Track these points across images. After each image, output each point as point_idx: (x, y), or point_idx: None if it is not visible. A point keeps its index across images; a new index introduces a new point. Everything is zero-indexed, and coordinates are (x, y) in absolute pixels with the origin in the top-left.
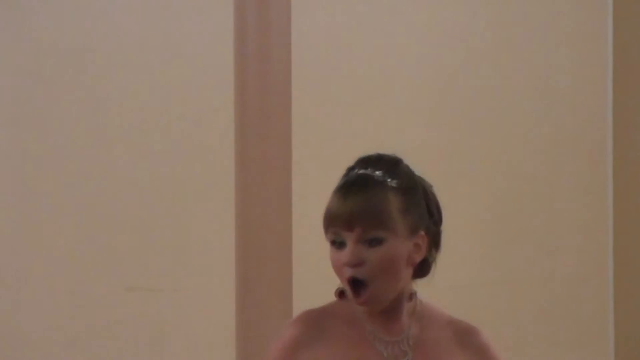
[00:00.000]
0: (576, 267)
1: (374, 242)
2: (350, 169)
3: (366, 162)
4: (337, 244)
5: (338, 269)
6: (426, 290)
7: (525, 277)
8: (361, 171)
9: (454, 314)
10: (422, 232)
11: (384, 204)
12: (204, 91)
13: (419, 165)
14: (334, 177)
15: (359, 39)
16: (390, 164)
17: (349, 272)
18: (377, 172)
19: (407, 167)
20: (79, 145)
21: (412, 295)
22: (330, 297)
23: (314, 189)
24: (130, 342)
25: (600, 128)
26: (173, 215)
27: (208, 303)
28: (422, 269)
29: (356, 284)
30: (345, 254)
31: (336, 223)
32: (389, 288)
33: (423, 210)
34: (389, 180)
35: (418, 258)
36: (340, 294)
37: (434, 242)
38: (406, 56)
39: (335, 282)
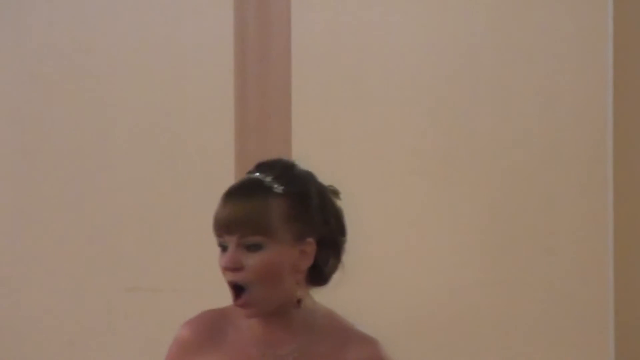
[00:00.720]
0: (576, 267)
1: (253, 248)
2: (248, 172)
3: (261, 166)
4: (222, 247)
5: (222, 272)
6: (425, 291)
7: (525, 277)
8: (252, 175)
9: (453, 314)
10: (311, 239)
11: (264, 210)
12: (204, 91)
13: (419, 164)
14: (334, 176)
15: (360, 39)
16: (284, 169)
17: (227, 277)
18: (267, 178)
19: (303, 173)
20: (79, 145)
21: (299, 302)
22: (329, 299)
23: None
24: (131, 343)
25: (600, 128)
26: (173, 215)
27: (208, 303)
28: (316, 277)
29: (237, 288)
30: (224, 258)
31: (218, 227)
32: (269, 293)
33: (315, 217)
34: (275, 186)
35: (304, 265)
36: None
37: (332, 250)
38: (406, 56)
39: (331, 283)
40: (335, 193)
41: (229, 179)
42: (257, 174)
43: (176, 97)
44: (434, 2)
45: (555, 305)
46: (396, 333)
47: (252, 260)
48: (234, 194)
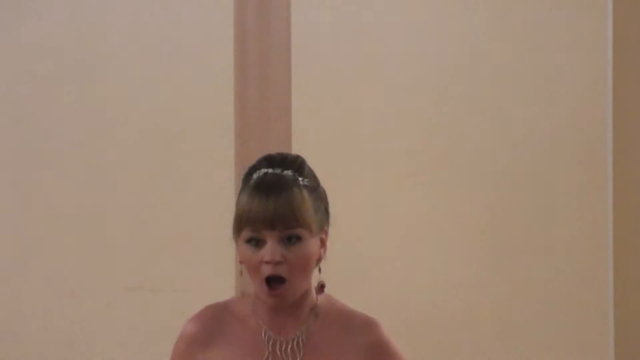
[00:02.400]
0: (576, 267)
1: (294, 240)
2: (255, 168)
3: (272, 161)
4: (254, 242)
5: (254, 267)
6: (424, 291)
7: (525, 277)
8: (271, 170)
9: (453, 314)
10: (326, 228)
11: (302, 203)
12: (204, 91)
13: (418, 164)
14: (334, 176)
15: (359, 39)
16: (297, 164)
17: (268, 271)
18: (287, 172)
19: (309, 166)
20: (78, 145)
21: (322, 288)
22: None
23: None
24: (130, 342)
25: (600, 128)
26: (173, 215)
27: (206, 302)
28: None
29: (274, 280)
30: (267, 252)
31: (256, 222)
32: (303, 284)
33: (325, 207)
34: (300, 179)
35: (324, 254)
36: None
37: (327, 238)
38: (406, 56)
39: (333, 275)
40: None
41: (229, 179)
42: (276, 170)
43: (176, 97)
44: (433, 2)
45: (555, 304)
46: (395, 332)
47: (294, 254)
48: (270, 189)
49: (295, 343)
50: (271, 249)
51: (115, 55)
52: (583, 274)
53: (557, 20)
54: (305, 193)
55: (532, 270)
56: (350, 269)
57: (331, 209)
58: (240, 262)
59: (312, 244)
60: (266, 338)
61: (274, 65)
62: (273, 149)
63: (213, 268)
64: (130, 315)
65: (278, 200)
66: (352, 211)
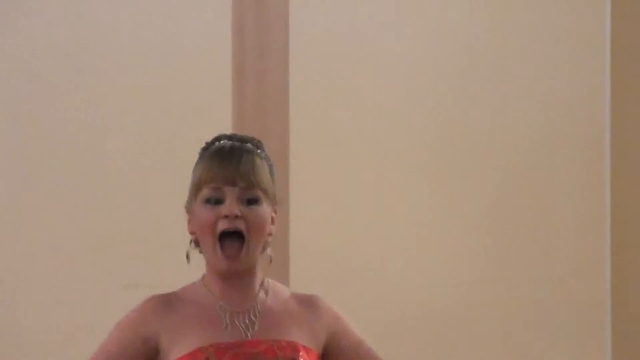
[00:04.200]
0: (574, 265)
1: (252, 202)
2: (213, 141)
3: (231, 136)
4: (214, 201)
5: (210, 226)
6: (424, 290)
7: (523, 276)
8: (230, 142)
9: (452, 311)
10: (276, 207)
11: (262, 167)
12: (202, 89)
13: (416, 163)
14: (332, 174)
15: (357, 37)
16: (256, 141)
17: (225, 224)
18: (246, 144)
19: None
20: (77, 143)
21: (270, 262)
22: (328, 296)
23: (311, 186)
24: None
25: (597, 127)
26: (171, 212)
27: None
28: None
29: (226, 242)
30: (226, 206)
31: (218, 178)
32: (256, 250)
33: (276, 188)
34: (259, 151)
35: (272, 230)
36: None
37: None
38: (404, 55)
39: (333, 272)
40: None
41: None
42: (238, 142)
43: (174, 95)
44: (432, 2)
45: (553, 303)
46: (396, 330)
47: (252, 212)
48: (233, 152)
49: (251, 313)
50: (230, 203)
51: (114, 53)
52: (581, 272)
53: (556, 21)
54: (264, 163)
55: (530, 268)
56: (349, 266)
57: (328, 206)
58: (191, 232)
59: (268, 211)
60: (221, 311)
61: (272, 63)
62: (271, 146)
63: None
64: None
65: (240, 160)
66: (350, 208)
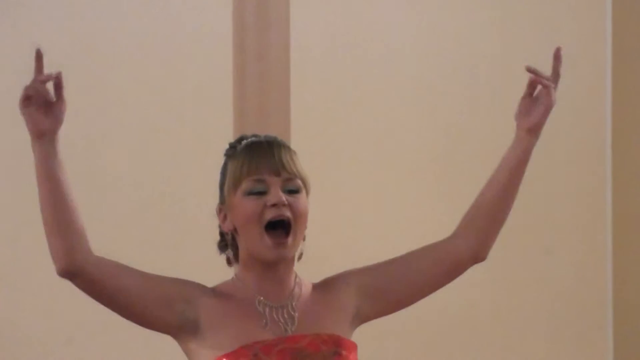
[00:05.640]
0: (575, 266)
1: (293, 191)
2: (240, 140)
3: (255, 135)
4: (256, 193)
5: (256, 216)
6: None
7: (524, 276)
8: (259, 138)
9: (452, 313)
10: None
11: (298, 160)
12: (203, 88)
13: (417, 163)
14: (333, 174)
15: (358, 37)
16: (281, 140)
17: (273, 213)
18: (273, 139)
19: None
20: (78, 143)
21: (300, 257)
22: None
23: (313, 187)
24: (130, 340)
25: (599, 128)
26: (172, 213)
27: None
28: None
29: (279, 228)
30: (273, 195)
31: (260, 170)
32: (299, 240)
33: None
34: (288, 145)
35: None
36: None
37: None
38: (405, 54)
39: (334, 271)
40: None
41: None
42: (270, 139)
43: (175, 94)
44: (433, 2)
45: (554, 303)
46: (396, 331)
47: (296, 201)
48: (271, 143)
49: (289, 308)
50: (276, 192)
51: (114, 53)
52: (582, 272)
53: (557, 21)
54: (297, 156)
55: (532, 268)
56: (349, 264)
57: (330, 205)
58: (227, 231)
59: (306, 200)
60: (261, 306)
61: (273, 63)
62: None
63: (214, 264)
64: None
65: (280, 151)
66: (351, 208)
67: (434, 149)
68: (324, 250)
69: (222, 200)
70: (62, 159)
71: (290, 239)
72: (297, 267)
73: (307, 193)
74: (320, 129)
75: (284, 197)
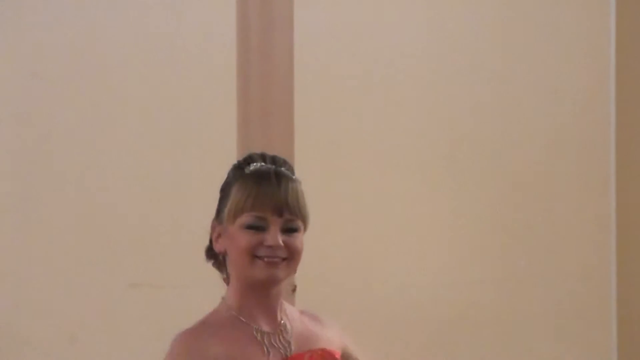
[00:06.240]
0: (579, 265)
1: (292, 231)
2: (248, 161)
3: (264, 158)
4: (255, 228)
5: (250, 251)
6: (428, 289)
7: (528, 275)
8: (268, 165)
9: (456, 312)
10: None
11: (303, 198)
12: (207, 89)
13: (421, 162)
14: (337, 174)
15: (362, 36)
16: (288, 164)
17: (266, 253)
18: (281, 168)
19: None
20: (80, 142)
21: (294, 290)
22: (332, 296)
23: (315, 188)
24: (133, 339)
25: (602, 127)
26: (175, 212)
27: (209, 300)
28: None
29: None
30: (272, 236)
31: (264, 208)
32: (292, 271)
33: None
34: (294, 177)
35: None
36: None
37: None
38: (409, 54)
39: (336, 271)
40: None
41: None
42: (272, 165)
43: (179, 94)
44: (436, 2)
45: (557, 303)
46: (400, 330)
47: (292, 240)
48: (278, 178)
49: (283, 333)
50: (275, 234)
51: (118, 53)
52: (586, 272)
53: (560, 19)
54: (301, 190)
55: (535, 268)
56: (353, 265)
57: (333, 207)
58: (220, 252)
59: (302, 236)
60: (259, 335)
61: (277, 63)
62: (275, 147)
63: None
64: (133, 312)
65: (287, 190)
66: (355, 208)
67: (437, 150)
68: (324, 250)
69: (219, 220)
70: None
71: (282, 264)
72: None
73: (306, 228)
74: (324, 128)
75: (281, 240)
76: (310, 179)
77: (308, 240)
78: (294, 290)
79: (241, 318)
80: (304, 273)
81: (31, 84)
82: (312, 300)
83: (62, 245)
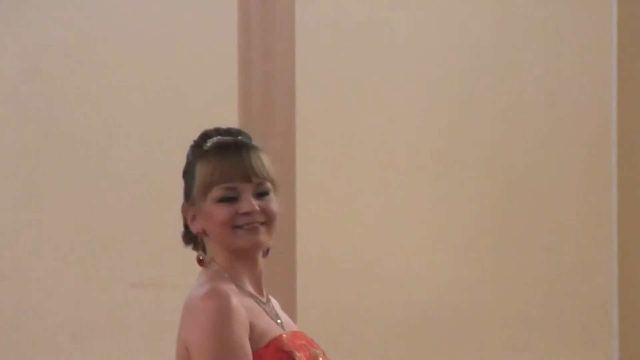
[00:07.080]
0: (580, 263)
1: (264, 195)
2: (205, 138)
3: (220, 131)
4: (227, 199)
5: (227, 222)
6: (430, 288)
7: (529, 274)
8: (226, 137)
9: (458, 311)
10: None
11: (267, 161)
12: (208, 89)
13: (422, 161)
14: (338, 172)
15: (363, 36)
16: (241, 131)
17: (244, 221)
18: (240, 137)
19: None
20: (81, 142)
21: (268, 252)
22: (333, 296)
23: (317, 187)
24: (134, 338)
25: (604, 127)
26: (176, 212)
27: None
28: None
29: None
30: (246, 203)
31: (231, 175)
32: (271, 236)
33: None
34: (253, 143)
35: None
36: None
37: None
38: (410, 54)
39: (337, 270)
40: None
41: None
42: (230, 137)
43: (180, 93)
44: (437, 2)
45: (559, 303)
46: (402, 329)
47: (267, 204)
48: (239, 147)
49: (271, 302)
50: (248, 199)
51: (119, 53)
52: (587, 271)
53: (561, 18)
54: (265, 154)
55: (536, 267)
56: (354, 264)
57: (334, 204)
58: (197, 232)
59: (276, 198)
60: (260, 304)
61: (278, 62)
62: (277, 144)
63: None
64: (134, 311)
65: (249, 155)
66: (356, 206)
67: (438, 148)
68: (327, 247)
69: (191, 202)
70: None
71: (262, 229)
72: (299, 267)
73: (277, 191)
74: (325, 127)
75: (256, 205)
76: (312, 175)
77: (309, 240)
78: (266, 253)
79: (240, 287)
80: (305, 273)
81: (32, 83)
82: (313, 300)
83: (63, 244)
